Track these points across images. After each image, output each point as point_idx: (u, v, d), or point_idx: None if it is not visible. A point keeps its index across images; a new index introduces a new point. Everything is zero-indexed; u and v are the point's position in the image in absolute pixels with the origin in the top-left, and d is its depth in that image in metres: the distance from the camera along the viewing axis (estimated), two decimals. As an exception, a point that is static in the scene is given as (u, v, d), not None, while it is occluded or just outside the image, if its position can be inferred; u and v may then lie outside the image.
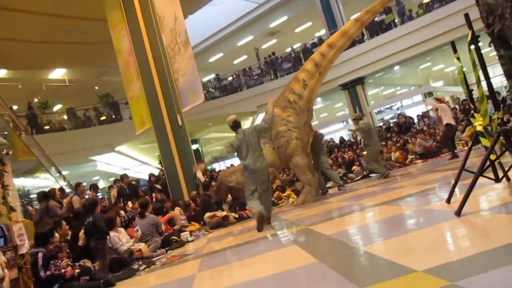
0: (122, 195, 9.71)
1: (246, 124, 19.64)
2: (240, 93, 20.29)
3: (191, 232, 7.26)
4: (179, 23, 10.64)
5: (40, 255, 4.42)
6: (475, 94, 4.50)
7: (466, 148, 10.32)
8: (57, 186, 9.12)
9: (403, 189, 6.01)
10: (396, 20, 16.97)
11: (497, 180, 3.52)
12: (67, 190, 9.64)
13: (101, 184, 21.38)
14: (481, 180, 3.15)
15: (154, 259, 5.73)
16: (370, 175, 10.50)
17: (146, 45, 10.92)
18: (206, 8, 19.86)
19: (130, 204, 8.93)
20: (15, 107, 15.79)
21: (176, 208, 8.35)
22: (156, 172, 13.24)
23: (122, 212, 7.25)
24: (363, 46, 17.30)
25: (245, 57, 25.13)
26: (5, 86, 17.84)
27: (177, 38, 10.72)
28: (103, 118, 19.46)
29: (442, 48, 16.09)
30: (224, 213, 8.21)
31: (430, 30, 15.29)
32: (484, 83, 3.36)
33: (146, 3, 11.12)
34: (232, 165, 13.76)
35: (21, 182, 15.63)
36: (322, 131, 11.60)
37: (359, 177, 11.01)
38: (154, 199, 9.57)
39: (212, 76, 23.45)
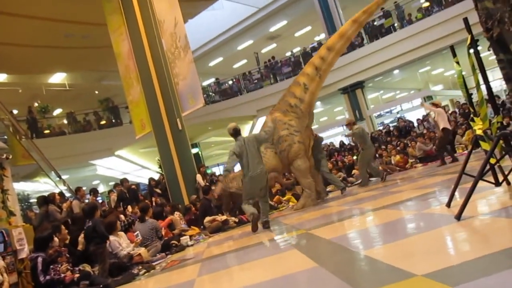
0: (122, 199, 9.71)
1: (246, 128, 19.69)
2: (240, 97, 20.35)
3: (191, 236, 7.25)
4: (179, 27, 10.66)
5: (39, 259, 4.41)
6: (475, 98, 4.52)
7: (466, 152, 10.33)
8: (57, 191, 9.09)
9: (403, 193, 5.99)
10: (395, 24, 17.02)
11: (497, 184, 3.51)
12: (67, 194, 9.63)
13: (101, 189, 21.35)
14: (481, 184, 3.15)
15: (154, 263, 5.71)
16: (370, 179, 10.49)
17: (146, 49, 10.94)
18: (206, 12, 19.95)
19: (130, 208, 8.93)
20: (15, 112, 15.84)
21: (176, 212, 8.34)
22: (156, 177, 13.22)
23: (122, 217, 7.25)
24: (363, 50, 17.36)
25: (245, 61, 25.21)
26: (5, 90, 17.92)
27: (177, 42, 10.74)
28: (103, 122, 19.48)
29: (441, 52, 16.13)
30: (224, 217, 8.20)
31: (430, 34, 15.33)
32: (483, 87, 3.38)
33: (146, 8, 11.15)
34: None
35: (21, 187, 15.56)
36: (322, 135, 11.60)
37: (359, 181, 10.98)
38: (154, 204, 9.56)
39: (212, 80, 23.50)
